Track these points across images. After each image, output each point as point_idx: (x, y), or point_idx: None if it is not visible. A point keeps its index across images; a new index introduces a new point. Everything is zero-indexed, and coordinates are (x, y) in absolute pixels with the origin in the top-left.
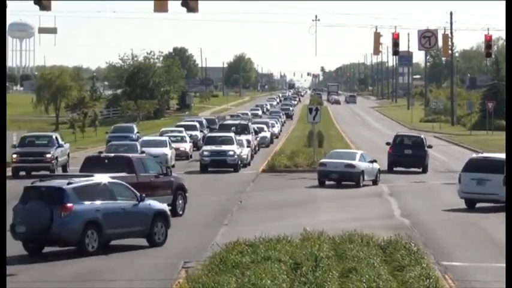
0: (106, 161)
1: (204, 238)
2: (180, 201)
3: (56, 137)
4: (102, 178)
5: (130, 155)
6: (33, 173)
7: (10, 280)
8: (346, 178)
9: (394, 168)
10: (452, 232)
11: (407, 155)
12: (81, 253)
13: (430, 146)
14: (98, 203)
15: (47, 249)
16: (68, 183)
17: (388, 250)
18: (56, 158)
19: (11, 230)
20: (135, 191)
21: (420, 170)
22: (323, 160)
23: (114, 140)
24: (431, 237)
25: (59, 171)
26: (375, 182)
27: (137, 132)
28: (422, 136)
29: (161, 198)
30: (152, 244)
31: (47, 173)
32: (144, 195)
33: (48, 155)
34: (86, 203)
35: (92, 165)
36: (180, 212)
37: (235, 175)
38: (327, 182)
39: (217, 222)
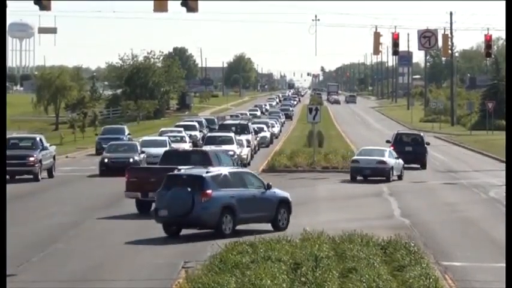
0: (185, 154)
1: (204, 238)
2: None
3: (41, 139)
4: (228, 168)
5: (207, 149)
6: (17, 177)
7: (10, 280)
8: (378, 174)
9: None
10: (452, 232)
11: (407, 152)
12: (218, 235)
13: (428, 143)
14: (232, 190)
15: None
16: (207, 172)
17: (388, 250)
18: (40, 161)
19: (154, 213)
20: (262, 179)
21: (419, 166)
22: (356, 157)
23: (103, 142)
24: (431, 237)
25: (43, 175)
26: (400, 177)
27: (128, 134)
28: (421, 134)
29: None
30: (276, 229)
31: (31, 177)
32: (270, 183)
33: (31, 158)
34: (222, 189)
35: (170, 158)
36: None
37: None
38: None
39: None
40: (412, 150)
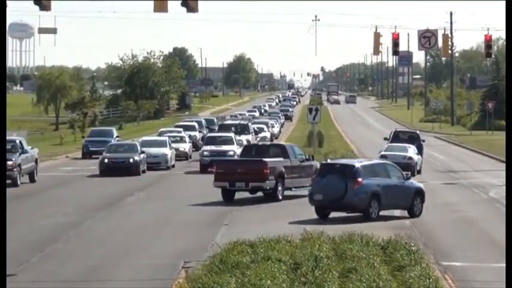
0: (264, 148)
1: (204, 238)
2: None
3: (21, 142)
4: (373, 160)
5: (283, 143)
6: None
7: (10, 280)
8: (405, 168)
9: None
10: (452, 232)
11: None
12: (366, 219)
13: (423, 141)
14: (378, 179)
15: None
16: (358, 162)
17: (388, 250)
18: (19, 165)
19: (308, 197)
20: (401, 171)
21: None
22: (384, 153)
23: (90, 144)
24: (431, 237)
25: (24, 180)
26: (419, 172)
27: (117, 137)
28: (417, 131)
29: (305, 179)
30: (412, 215)
31: (9, 182)
32: (409, 174)
33: (9, 162)
34: (370, 178)
35: (250, 152)
36: None
37: None
38: None
39: (217, 222)
40: None
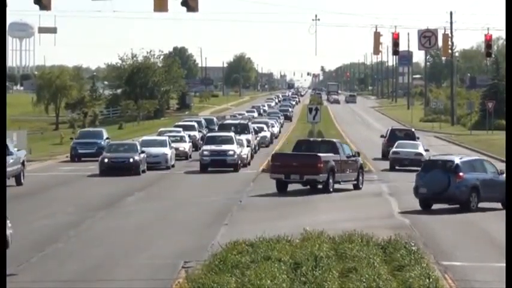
0: (315, 143)
1: (204, 238)
2: (361, 177)
3: (6, 144)
4: (472, 157)
5: (334, 139)
6: None
7: (10, 280)
8: (415, 164)
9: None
10: (452, 232)
11: None
12: (466, 209)
13: (418, 138)
14: (476, 173)
15: None
16: (460, 158)
17: (388, 250)
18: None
19: (414, 191)
20: (495, 166)
21: None
22: (396, 149)
23: (79, 146)
24: (431, 237)
25: (11, 182)
26: None
27: (107, 138)
28: (412, 129)
29: (351, 174)
30: (504, 207)
31: None
32: (500, 170)
33: None
34: (470, 173)
35: (302, 147)
36: (361, 186)
37: (235, 175)
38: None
39: (217, 222)
40: None
